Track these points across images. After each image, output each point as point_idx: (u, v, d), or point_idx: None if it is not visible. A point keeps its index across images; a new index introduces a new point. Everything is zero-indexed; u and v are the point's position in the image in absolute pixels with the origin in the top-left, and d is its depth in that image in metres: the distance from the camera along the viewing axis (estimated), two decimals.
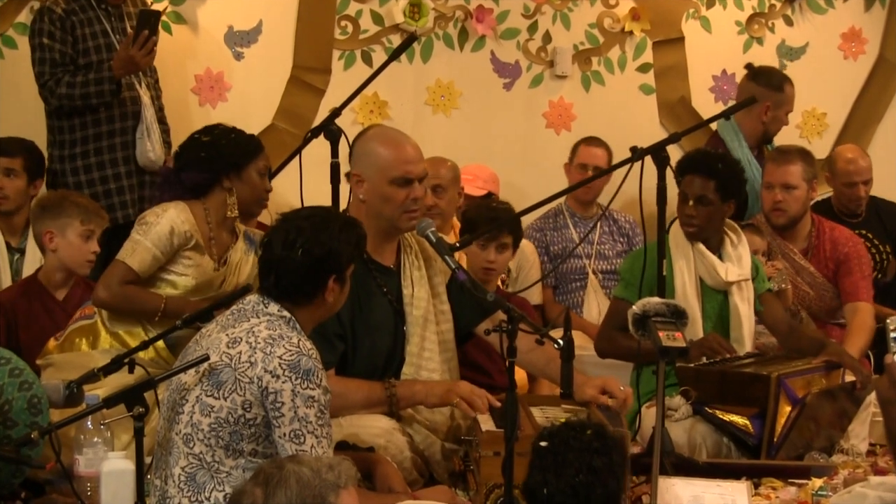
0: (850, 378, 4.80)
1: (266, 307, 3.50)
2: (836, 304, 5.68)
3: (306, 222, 3.55)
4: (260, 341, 3.40)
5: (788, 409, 4.54)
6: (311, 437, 3.37)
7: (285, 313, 3.49)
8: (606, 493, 2.99)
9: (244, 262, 4.55)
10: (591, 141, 6.54)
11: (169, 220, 4.36)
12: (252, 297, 3.56)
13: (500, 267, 5.27)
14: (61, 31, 5.45)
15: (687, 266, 4.87)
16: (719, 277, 4.87)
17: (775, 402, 4.49)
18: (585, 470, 2.98)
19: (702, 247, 4.89)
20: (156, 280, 4.41)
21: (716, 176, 4.85)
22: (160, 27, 5.60)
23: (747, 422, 4.54)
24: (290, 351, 3.38)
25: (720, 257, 4.93)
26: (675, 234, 4.92)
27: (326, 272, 3.51)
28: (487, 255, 5.15)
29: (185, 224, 4.38)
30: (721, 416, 4.57)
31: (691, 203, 4.85)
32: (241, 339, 3.42)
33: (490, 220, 5.11)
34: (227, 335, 3.46)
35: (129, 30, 5.54)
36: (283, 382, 3.35)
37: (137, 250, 4.34)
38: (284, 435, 3.37)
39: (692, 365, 4.64)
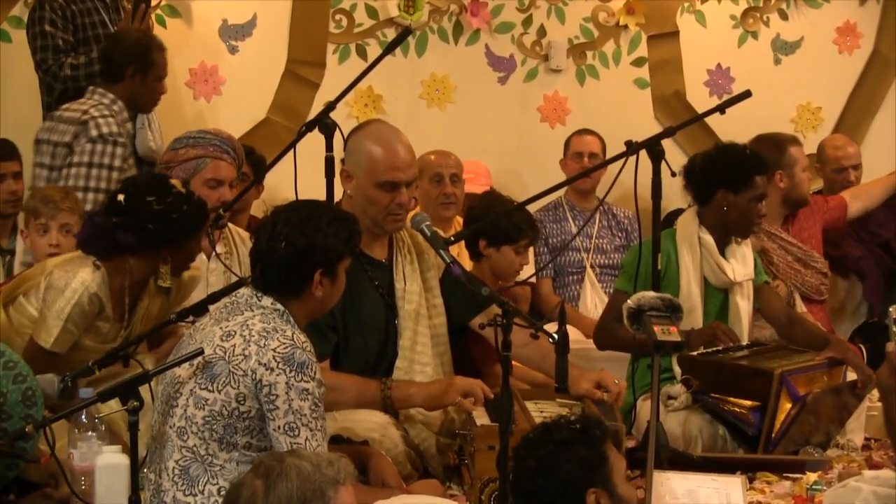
0: (851, 375, 4.78)
1: (259, 300, 3.50)
2: (822, 278, 5.75)
3: (294, 214, 3.54)
4: (254, 334, 3.40)
5: (789, 406, 4.52)
6: (305, 429, 3.36)
7: (279, 306, 3.48)
8: (559, 480, 3.03)
9: (153, 307, 4.34)
10: (582, 131, 6.58)
11: (84, 294, 4.09)
12: (245, 291, 3.56)
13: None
14: (62, 20, 5.45)
15: (693, 265, 4.87)
16: (725, 277, 4.87)
17: (776, 399, 4.48)
18: (538, 456, 3.06)
19: (711, 245, 4.88)
20: None
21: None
22: (154, 19, 5.60)
23: (747, 411, 4.54)
24: (284, 344, 3.37)
25: (725, 255, 4.93)
26: (683, 231, 4.91)
27: (312, 265, 3.49)
28: (523, 259, 5.19)
29: (97, 297, 4.12)
30: (721, 406, 4.57)
31: (763, 203, 4.90)
32: (235, 333, 3.42)
33: (514, 227, 5.07)
34: (220, 328, 3.45)
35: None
36: (278, 375, 3.35)
37: (52, 330, 4.09)
38: (279, 428, 3.36)
39: (695, 354, 4.64)
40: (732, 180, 4.86)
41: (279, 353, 3.36)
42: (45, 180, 5.15)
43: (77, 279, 4.10)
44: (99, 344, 4.21)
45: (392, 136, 4.33)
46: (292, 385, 3.35)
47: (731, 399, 4.57)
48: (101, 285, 4.13)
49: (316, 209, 3.60)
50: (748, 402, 4.53)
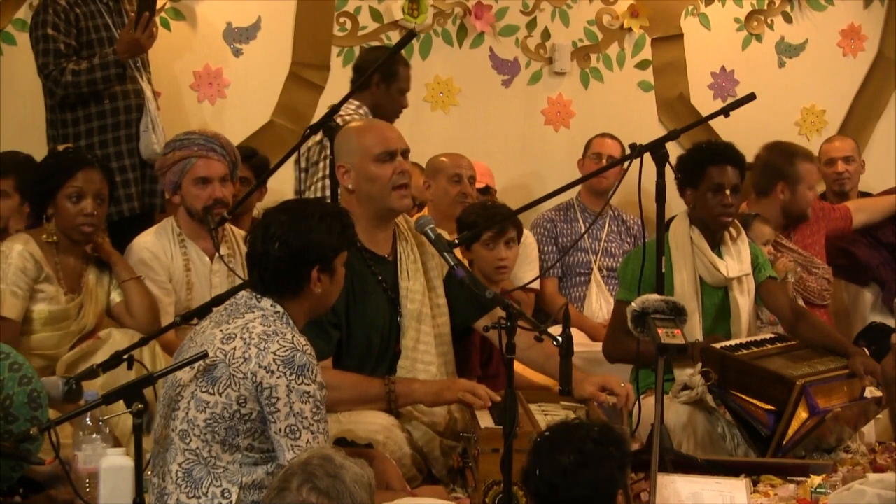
0: (870, 385, 4.75)
1: (259, 301, 3.50)
2: (825, 283, 5.75)
3: (284, 215, 3.55)
4: (254, 337, 3.40)
5: (805, 416, 4.48)
6: (306, 432, 3.37)
7: (278, 308, 3.49)
8: (596, 477, 3.00)
9: (99, 283, 4.60)
10: (605, 134, 6.60)
11: (16, 256, 4.40)
12: (244, 293, 3.56)
13: (512, 262, 5.31)
14: (65, 24, 5.43)
15: (686, 266, 4.87)
16: (719, 275, 4.87)
17: (794, 407, 4.45)
18: (576, 452, 3.01)
19: (703, 244, 4.89)
20: None
21: (741, 165, 4.95)
22: (159, 22, 5.60)
23: (763, 412, 4.52)
24: (284, 347, 3.38)
25: (719, 253, 4.93)
26: (675, 233, 4.92)
27: (308, 264, 3.50)
28: (498, 253, 5.17)
29: (32, 257, 4.41)
30: (736, 401, 4.55)
31: (728, 192, 4.88)
32: (236, 336, 3.42)
33: (488, 218, 5.12)
34: (221, 331, 3.46)
35: (126, 22, 5.53)
36: (278, 378, 3.35)
37: (2, 296, 4.35)
38: (280, 430, 3.37)
39: (719, 347, 4.63)
40: (690, 176, 4.91)
41: (279, 356, 3.36)
42: (298, 181, 5.35)
43: (13, 249, 4.43)
44: (54, 311, 4.44)
45: (373, 120, 4.59)
46: (293, 388, 3.35)
47: (749, 398, 4.55)
48: (31, 244, 4.44)
49: (306, 207, 3.61)
50: (765, 405, 4.52)
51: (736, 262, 4.94)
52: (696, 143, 5.18)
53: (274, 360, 3.36)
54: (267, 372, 3.36)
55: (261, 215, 3.68)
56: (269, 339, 3.39)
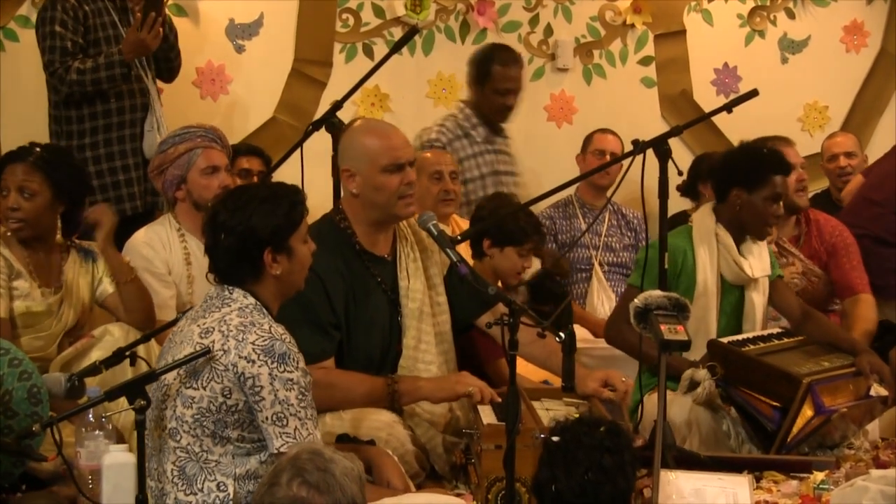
0: (874, 383, 4.73)
1: (231, 293, 3.50)
2: (828, 291, 5.69)
3: (229, 202, 3.54)
4: (231, 329, 3.41)
5: (810, 413, 4.45)
6: (294, 419, 3.38)
7: (251, 299, 3.49)
8: (615, 491, 3.00)
9: (81, 275, 4.54)
10: (605, 130, 6.60)
11: None
12: (215, 289, 3.56)
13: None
14: (73, 21, 5.41)
15: (710, 261, 4.83)
16: (743, 274, 4.82)
17: (800, 405, 4.43)
18: (595, 469, 3.00)
19: (730, 242, 4.83)
20: None
21: None
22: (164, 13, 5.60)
23: (769, 407, 4.51)
24: (263, 336, 3.38)
25: (741, 251, 4.90)
26: (700, 228, 4.87)
27: (257, 248, 3.48)
28: (525, 262, 5.18)
29: (0, 254, 4.36)
30: (743, 397, 4.54)
31: (781, 203, 4.85)
32: (214, 329, 3.43)
33: (520, 229, 5.10)
34: (198, 326, 3.46)
35: (132, 21, 5.52)
36: (260, 367, 3.36)
37: None
38: (267, 419, 3.38)
39: (726, 342, 4.61)
40: (746, 179, 4.80)
41: (258, 345, 3.37)
42: None
43: None
44: (31, 307, 4.39)
45: (381, 124, 4.49)
46: (276, 376, 3.36)
47: (755, 394, 4.54)
48: (2, 251, 4.36)
49: (249, 191, 3.60)
50: (771, 402, 4.51)
51: (759, 260, 4.91)
52: (757, 146, 5.02)
53: (253, 349, 3.37)
54: (248, 362, 3.36)
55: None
56: (246, 330, 3.40)
